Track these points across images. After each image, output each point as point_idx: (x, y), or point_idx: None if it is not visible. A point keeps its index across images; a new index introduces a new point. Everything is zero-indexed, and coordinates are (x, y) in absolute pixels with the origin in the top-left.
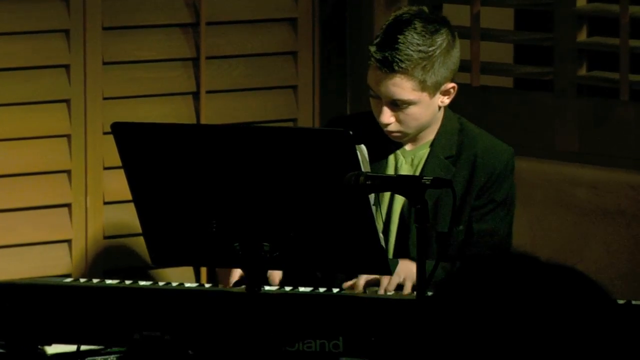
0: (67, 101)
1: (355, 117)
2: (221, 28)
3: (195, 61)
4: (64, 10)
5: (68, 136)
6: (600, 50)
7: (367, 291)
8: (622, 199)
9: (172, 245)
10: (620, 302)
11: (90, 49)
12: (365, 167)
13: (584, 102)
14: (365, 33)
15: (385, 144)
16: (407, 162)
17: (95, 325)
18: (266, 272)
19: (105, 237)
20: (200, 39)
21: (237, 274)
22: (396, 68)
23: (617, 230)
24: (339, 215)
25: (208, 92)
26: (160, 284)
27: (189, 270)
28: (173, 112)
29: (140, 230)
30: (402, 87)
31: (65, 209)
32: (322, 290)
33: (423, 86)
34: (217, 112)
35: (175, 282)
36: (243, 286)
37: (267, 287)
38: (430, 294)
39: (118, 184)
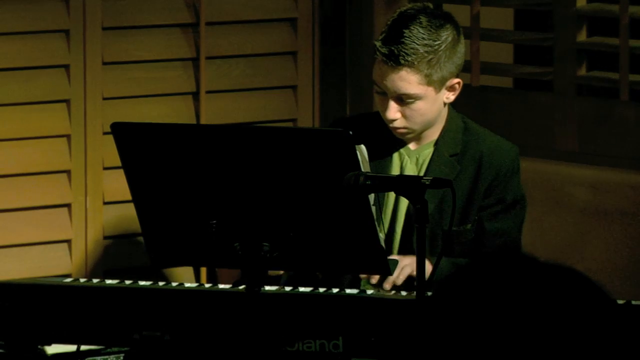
0: (67, 101)
1: (358, 118)
2: (221, 28)
3: (195, 61)
4: (64, 10)
5: (68, 136)
6: (600, 50)
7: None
8: (622, 199)
9: (172, 245)
10: (620, 302)
11: (90, 49)
12: (365, 167)
13: (584, 102)
14: (365, 33)
15: (390, 144)
16: (412, 161)
17: (95, 325)
18: (266, 272)
19: (105, 237)
20: (200, 39)
21: None
22: (402, 62)
23: (617, 230)
24: (339, 215)
25: (208, 92)
26: (160, 284)
27: (189, 270)
28: (173, 112)
29: (140, 230)
30: (408, 81)
31: (65, 209)
32: (322, 290)
33: (429, 80)
34: (217, 112)
35: (175, 282)
36: (243, 286)
37: (267, 287)
38: (430, 294)
39: (118, 184)
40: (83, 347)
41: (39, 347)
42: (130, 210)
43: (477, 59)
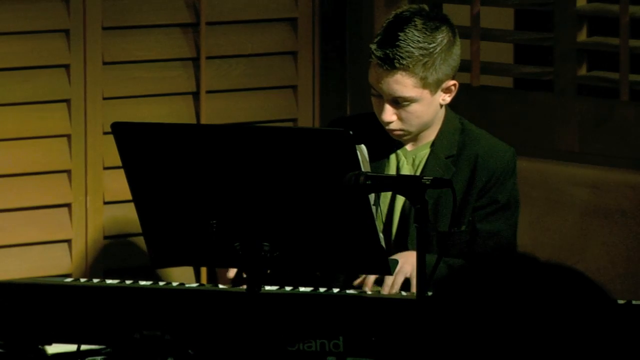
0: (67, 101)
1: (355, 118)
2: (221, 28)
3: (195, 61)
4: (64, 10)
5: (68, 136)
6: (600, 50)
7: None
8: (622, 199)
9: (172, 245)
10: (620, 302)
11: (90, 49)
12: (365, 167)
13: (584, 102)
14: (365, 33)
15: (387, 145)
16: (408, 162)
17: (95, 324)
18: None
19: (105, 237)
20: (200, 39)
21: (233, 270)
22: (397, 65)
23: (617, 230)
24: (339, 215)
25: (208, 92)
26: (160, 284)
27: (189, 270)
28: (173, 112)
29: (140, 230)
30: (404, 84)
31: (65, 209)
32: (322, 290)
33: (424, 83)
34: (217, 112)
35: (175, 282)
36: (243, 286)
37: (267, 287)
38: (430, 294)
39: (118, 184)
40: (83, 347)
41: (39, 346)
42: (130, 210)
43: (477, 59)
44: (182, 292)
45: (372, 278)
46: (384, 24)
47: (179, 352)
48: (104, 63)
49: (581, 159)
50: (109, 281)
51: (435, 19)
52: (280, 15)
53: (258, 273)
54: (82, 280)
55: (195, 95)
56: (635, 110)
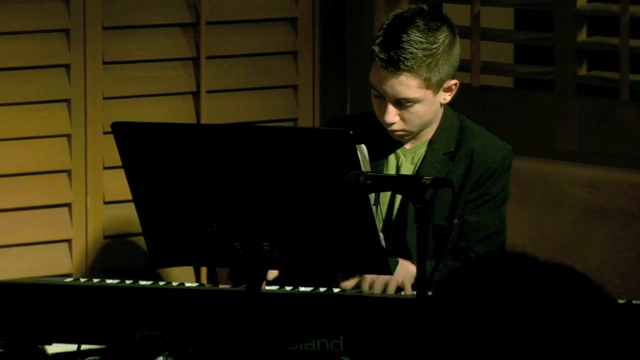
0: (67, 101)
1: (354, 118)
2: (221, 28)
3: (195, 61)
4: (64, 10)
5: (68, 136)
6: (600, 50)
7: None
8: (622, 198)
9: (172, 245)
10: (620, 302)
11: (90, 49)
12: (365, 166)
13: (584, 102)
14: (365, 33)
15: (386, 144)
16: (407, 160)
17: (95, 324)
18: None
19: (105, 237)
20: (200, 39)
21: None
22: (402, 67)
23: (617, 230)
24: (339, 215)
25: (208, 92)
26: (160, 283)
27: (189, 270)
28: (173, 112)
29: (140, 230)
30: (408, 85)
31: (65, 209)
32: (322, 290)
33: (428, 84)
34: (217, 112)
35: (175, 282)
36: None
37: (267, 287)
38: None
39: (118, 184)
40: (83, 347)
41: (40, 346)
42: (130, 210)
43: (477, 59)
44: (182, 292)
45: (368, 282)
46: (384, 25)
47: (179, 352)
48: (104, 63)
49: (581, 158)
50: (109, 281)
51: (435, 19)
52: (280, 15)
53: (258, 273)
54: (82, 280)
55: (195, 95)
56: (635, 110)
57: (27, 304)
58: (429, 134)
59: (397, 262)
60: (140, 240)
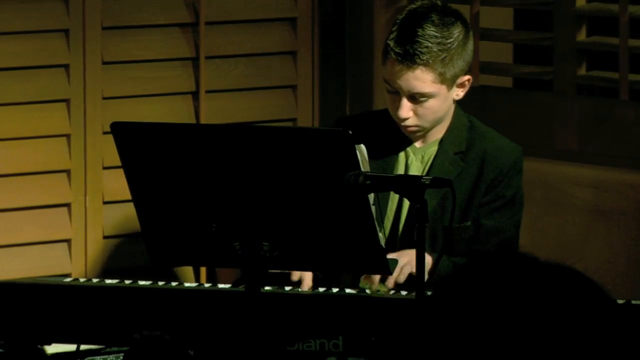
0: (66, 101)
1: (362, 117)
2: (221, 28)
3: (195, 61)
4: (64, 10)
5: (68, 136)
6: (600, 50)
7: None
8: (622, 199)
9: (172, 245)
10: (620, 302)
11: (90, 49)
12: (365, 166)
13: (584, 102)
14: (365, 33)
15: (395, 142)
16: (417, 159)
17: (95, 324)
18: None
19: (105, 237)
20: (200, 39)
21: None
22: (417, 61)
23: (616, 229)
24: (339, 215)
25: (208, 91)
26: (160, 283)
27: (189, 270)
28: (173, 112)
29: (140, 230)
30: (423, 80)
31: (65, 209)
32: (322, 290)
33: (442, 79)
34: (217, 112)
35: (175, 282)
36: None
37: (267, 287)
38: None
39: (118, 184)
40: (83, 347)
41: (39, 346)
42: (130, 210)
43: (477, 58)
44: (181, 292)
45: (377, 277)
46: (398, 20)
47: (179, 352)
48: (104, 63)
49: (581, 158)
50: (108, 281)
51: (450, 14)
52: (280, 15)
53: (258, 273)
54: (82, 280)
55: (195, 95)
56: (635, 110)
57: (27, 304)
58: (439, 132)
59: (397, 261)
60: (140, 241)
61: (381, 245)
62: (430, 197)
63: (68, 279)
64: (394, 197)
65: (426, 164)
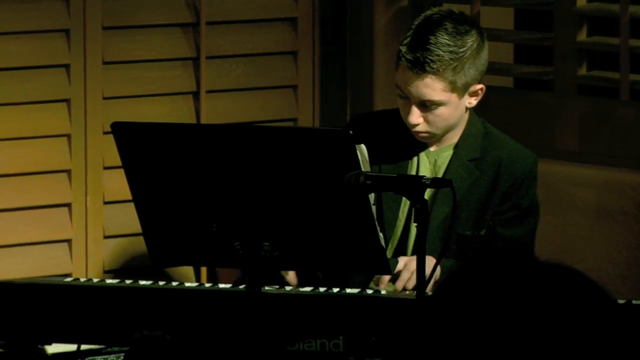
0: (67, 101)
1: (379, 115)
2: (221, 28)
3: (195, 61)
4: (64, 10)
5: (68, 136)
6: (600, 50)
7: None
8: (623, 199)
9: (172, 245)
10: (620, 302)
11: (90, 49)
12: (365, 166)
13: (584, 102)
14: (365, 33)
15: (409, 144)
16: (430, 162)
17: (95, 324)
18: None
19: (105, 237)
20: (200, 39)
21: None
22: (427, 69)
23: (617, 229)
24: (339, 215)
25: (208, 92)
26: (160, 283)
27: (189, 270)
28: (173, 112)
29: (140, 230)
30: (433, 87)
31: (65, 209)
32: (322, 290)
33: (453, 87)
34: (217, 112)
35: (175, 282)
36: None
37: (267, 287)
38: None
39: (118, 184)
40: (83, 347)
41: (39, 346)
42: (130, 210)
43: None
44: (182, 291)
45: (386, 278)
46: (413, 26)
47: (179, 352)
48: (104, 63)
49: (581, 158)
50: (109, 281)
51: (465, 23)
52: (280, 15)
53: (258, 273)
54: (82, 280)
55: (196, 95)
56: (635, 110)
57: (27, 304)
58: (454, 137)
59: (397, 262)
60: (140, 240)
61: (381, 245)
62: (443, 205)
63: (68, 279)
64: (405, 201)
65: (439, 168)
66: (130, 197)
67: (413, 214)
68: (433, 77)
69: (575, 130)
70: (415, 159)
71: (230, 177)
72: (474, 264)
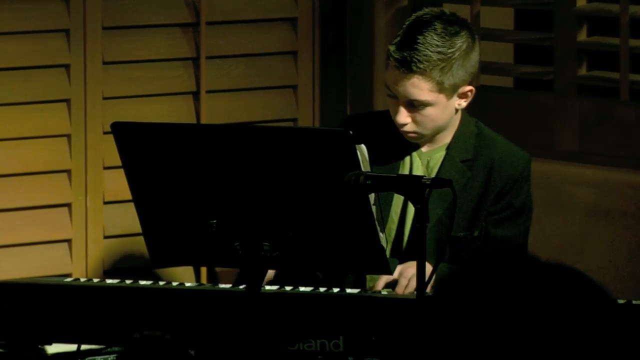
0: (67, 101)
1: (372, 116)
2: (221, 28)
3: (195, 61)
4: (64, 10)
5: (68, 136)
6: (600, 50)
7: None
8: (623, 199)
9: (172, 245)
10: (620, 302)
11: (90, 49)
12: (365, 166)
13: (584, 102)
14: (365, 33)
15: (402, 145)
16: (422, 163)
17: (95, 324)
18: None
19: (105, 237)
20: (200, 39)
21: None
22: (414, 68)
23: (617, 230)
24: (339, 215)
25: (208, 92)
26: (160, 283)
27: (189, 270)
28: (173, 112)
29: (140, 230)
30: (420, 87)
31: (65, 209)
32: (322, 290)
33: (440, 88)
34: (217, 112)
35: (175, 282)
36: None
37: (267, 287)
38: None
39: (118, 184)
40: (83, 347)
41: (39, 346)
42: (130, 210)
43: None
44: (182, 292)
45: (382, 282)
46: (404, 26)
47: (179, 352)
48: (104, 63)
49: (581, 158)
50: (109, 281)
51: (455, 24)
52: (280, 15)
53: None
54: (82, 280)
55: (195, 95)
56: (635, 110)
57: (27, 304)
58: (445, 138)
59: (396, 262)
60: (140, 241)
61: (382, 245)
62: (436, 207)
63: (68, 279)
64: (397, 201)
65: (432, 169)
66: (130, 197)
67: (408, 213)
68: (420, 77)
69: (575, 130)
70: (407, 159)
71: (230, 177)
72: (474, 264)
